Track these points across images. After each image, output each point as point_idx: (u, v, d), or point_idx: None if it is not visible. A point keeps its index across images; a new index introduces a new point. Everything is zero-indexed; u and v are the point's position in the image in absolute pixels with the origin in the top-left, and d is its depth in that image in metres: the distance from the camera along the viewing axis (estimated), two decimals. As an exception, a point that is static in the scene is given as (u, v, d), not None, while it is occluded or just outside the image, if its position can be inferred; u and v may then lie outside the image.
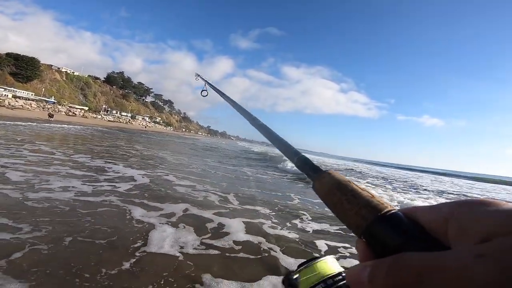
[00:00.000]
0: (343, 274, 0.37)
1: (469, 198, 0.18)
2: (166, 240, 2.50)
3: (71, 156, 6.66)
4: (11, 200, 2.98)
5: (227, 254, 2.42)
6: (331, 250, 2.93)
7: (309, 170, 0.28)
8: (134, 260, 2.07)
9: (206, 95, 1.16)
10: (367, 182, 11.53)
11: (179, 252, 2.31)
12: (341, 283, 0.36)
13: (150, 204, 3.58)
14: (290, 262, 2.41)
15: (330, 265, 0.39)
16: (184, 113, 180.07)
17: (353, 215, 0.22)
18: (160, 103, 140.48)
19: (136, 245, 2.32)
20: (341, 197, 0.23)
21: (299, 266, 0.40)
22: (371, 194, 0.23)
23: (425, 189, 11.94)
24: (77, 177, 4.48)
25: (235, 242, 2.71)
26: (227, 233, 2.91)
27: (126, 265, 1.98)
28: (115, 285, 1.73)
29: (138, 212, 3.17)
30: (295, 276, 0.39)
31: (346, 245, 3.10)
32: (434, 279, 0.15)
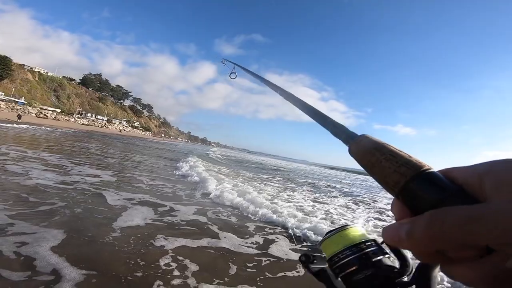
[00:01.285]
0: (369, 243, 0.35)
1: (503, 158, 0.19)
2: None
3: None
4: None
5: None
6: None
7: (345, 135, 0.29)
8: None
9: (235, 78, 1.13)
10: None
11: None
12: (368, 250, 0.34)
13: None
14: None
15: (356, 233, 0.37)
16: (164, 118, 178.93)
17: (392, 173, 0.22)
18: (139, 107, 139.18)
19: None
20: (380, 157, 0.24)
21: (325, 235, 0.38)
22: (408, 154, 0.23)
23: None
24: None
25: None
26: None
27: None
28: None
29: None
30: (318, 247, 0.39)
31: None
32: (474, 228, 0.16)
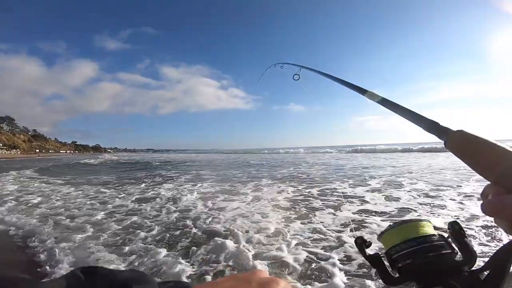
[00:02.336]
0: (437, 236, 0.33)
1: None
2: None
3: None
4: None
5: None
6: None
7: (440, 131, 0.33)
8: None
9: (298, 79, 1.08)
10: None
11: None
12: (435, 242, 0.32)
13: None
14: None
15: (423, 228, 0.34)
16: (34, 130, 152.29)
17: (490, 161, 0.26)
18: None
19: None
20: (480, 148, 0.28)
21: (392, 224, 0.37)
22: (503, 145, 0.27)
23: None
24: None
25: None
26: None
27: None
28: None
29: None
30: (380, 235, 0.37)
31: None
32: None
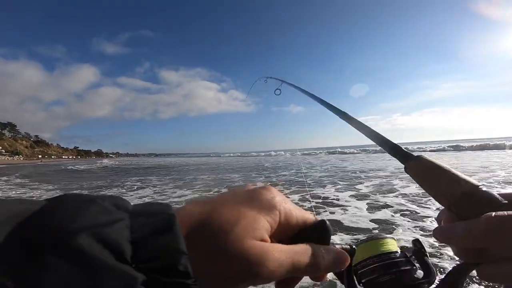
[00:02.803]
0: (399, 253, 0.35)
1: None
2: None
3: None
4: None
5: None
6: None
7: (401, 155, 0.35)
8: None
9: (279, 94, 1.11)
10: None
11: None
12: (397, 259, 0.34)
13: None
14: None
15: (388, 245, 0.37)
16: (36, 136, 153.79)
17: (444, 188, 0.29)
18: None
19: None
20: (435, 176, 0.30)
21: (360, 241, 0.38)
22: (458, 172, 0.29)
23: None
24: None
25: None
26: None
27: None
28: None
29: None
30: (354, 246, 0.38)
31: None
32: None
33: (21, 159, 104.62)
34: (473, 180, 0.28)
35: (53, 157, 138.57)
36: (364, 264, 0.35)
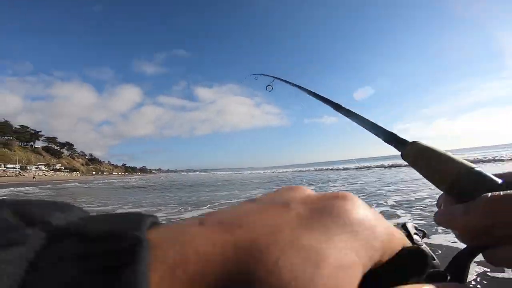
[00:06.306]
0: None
1: None
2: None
3: None
4: None
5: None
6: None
7: (397, 142, 0.35)
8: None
9: (271, 90, 1.12)
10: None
11: None
12: None
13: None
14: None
15: None
16: (90, 154, 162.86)
17: (442, 172, 0.28)
18: (56, 147, 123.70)
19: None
20: (431, 159, 0.29)
21: None
22: (455, 155, 0.28)
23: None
24: None
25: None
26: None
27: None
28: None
29: None
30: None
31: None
32: None
33: (78, 175, 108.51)
34: (468, 162, 0.28)
35: (105, 173, 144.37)
36: None
